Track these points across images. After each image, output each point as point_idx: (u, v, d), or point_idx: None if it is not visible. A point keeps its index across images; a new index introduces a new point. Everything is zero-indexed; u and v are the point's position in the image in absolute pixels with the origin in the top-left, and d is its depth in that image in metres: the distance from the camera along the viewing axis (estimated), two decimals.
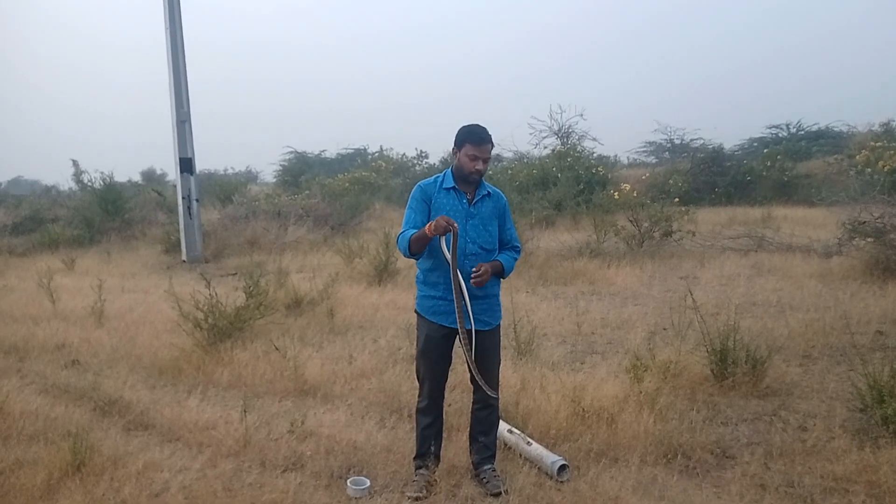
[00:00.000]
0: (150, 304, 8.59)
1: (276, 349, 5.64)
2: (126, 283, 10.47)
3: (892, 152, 20.68)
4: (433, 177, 3.57)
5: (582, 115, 26.09)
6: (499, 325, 3.59)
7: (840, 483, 3.40)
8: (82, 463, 3.79)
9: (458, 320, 3.32)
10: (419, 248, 3.40)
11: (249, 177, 40.79)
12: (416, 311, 3.60)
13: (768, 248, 10.98)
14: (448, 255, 3.29)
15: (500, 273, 3.50)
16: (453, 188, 3.47)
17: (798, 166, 22.57)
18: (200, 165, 14.88)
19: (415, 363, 3.71)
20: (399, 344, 6.15)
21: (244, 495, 3.51)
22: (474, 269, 3.31)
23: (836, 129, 29.51)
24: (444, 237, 3.30)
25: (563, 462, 3.65)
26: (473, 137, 3.40)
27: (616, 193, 13.93)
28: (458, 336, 3.42)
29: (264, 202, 16.77)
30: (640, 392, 4.40)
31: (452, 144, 3.48)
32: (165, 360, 5.89)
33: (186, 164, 13.28)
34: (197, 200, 13.45)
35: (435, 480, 3.55)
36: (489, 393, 3.40)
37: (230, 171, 40.20)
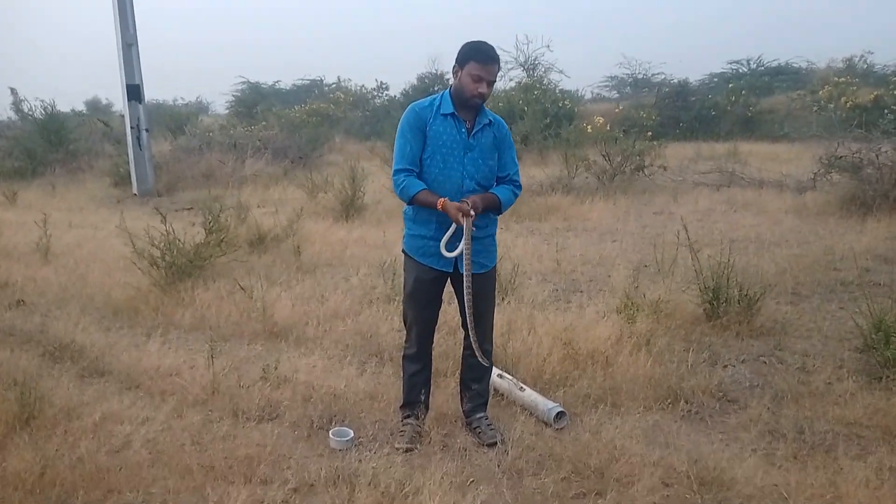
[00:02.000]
0: (101, 240, 8.05)
1: (242, 289, 5.25)
2: (73, 218, 9.82)
3: (854, 88, 20.83)
4: (428, 98, 3.16)
5: (549, 46, 25.40)
6: (494, 266, 3.28)
7: (852, 428, 3.25)
8: (31, 415, 3.42)
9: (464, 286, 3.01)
10: (421, 206, 3.06)
11: (200, 107, 39.06)
12: (403, 251, 3.26)
13: (740, 184, 10.88)
14: (462, 245, 2.95)
15: (497, 208, 3.15)
16: (452, 115, 3.07)
17: (761, 101, 22.55)
18: (149, 95, 14.04)
19: (402, 307, 3.38)
20: (373, 283, 5.82)
21: (216, 449, 3.19)
22: (466, 203, 2.95)
23: (795, 65, 29.59)
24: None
25: (560, 408, 3.42)
26: (480, 55, 3.00)
27: (589, 127, 13.59)
28: (454, 281, 3.16)
29: (219, 133, 15.98)
30: (633, 333, 4.19)
31: (454, 63, 3.07)
32: (120, 300, 5.46)
33: (134, 91, 12.43)
34: (147, 130, 12.67)
35: (425, 430, 3.30)
36: (483, 362, 3.16)
37: (179, 102, 38.42)
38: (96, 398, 3.77)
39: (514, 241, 7.50)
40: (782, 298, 5.22)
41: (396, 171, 3.09)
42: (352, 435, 3.28)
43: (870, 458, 2.98)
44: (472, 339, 3.10)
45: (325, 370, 4.09)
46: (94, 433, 3.33)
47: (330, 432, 3.30)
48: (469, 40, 3.06)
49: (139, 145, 12.49)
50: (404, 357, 3.36)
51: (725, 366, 4.08)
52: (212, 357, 3.93)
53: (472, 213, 2.93)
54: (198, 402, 3.72)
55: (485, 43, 3.04)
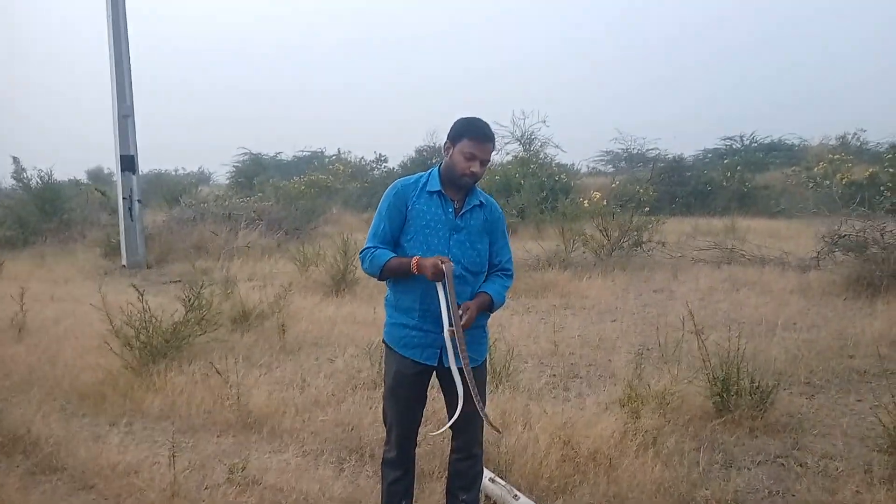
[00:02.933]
0: (80, 315, 7.70)
1: (218, 373, 4.91)
2: (57, 291, 9.51)
3: (849, 165, 20.97)
4: (414, 175, 2.91)
5: (545, 121, 25.77)
6: (485, 360, 2.97)
7: None
8: None
9: (454, 360, 2.68)
10: (396, 276, 2.78)
11: (202, 178, 39.32)
12: (383, 342, 2.95)
13: (740, 261, 10.64)
14: (444, 302, 2.66)
15: (488, 308, 2.86)
16: (439, 192, 2.81)
17: (756, 177, 22.68)
18: (150, 165, 14.05)
19: (382, 404, 3.04)
20: (359, 365, 5.47)
21: None
22: (442, 260, 2.65)
23: (788, 141, 30.07)
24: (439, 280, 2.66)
25: None
26: (474, 131, 2.77)
27: (586, 201, 13.48)
28: (440, 376, 2.85)
29: (213, 204, 15.85)
30: (639, 430, 3.84)
31: (446, 138, 2.84)
32: (87, 385, 5.10)
33: (128, 162, 12.33)
34: (139, 201, 12.51)
35: None
36: (494, 429, 2.86)
37: (181, 172, 38.68)
38: (43, 502, 3.38)
39: (509, 319, 7.18)
40: (795, 389, 4.88)
41: (365, 249, 2.84)
42: None
43: None
44: (477, 406, 2.72)
45: (299, 470, 3.70)
46: None
47: None
48: (462, 116, 2.84)
49: (131, 216, 12.30)
50: (384, 462, 3.00)
51: (740, 469, 3.71)
52: (173, 457, 3.54)
53: (451, 265, 2.64)
54: None
55: (479, 119, 2.82)
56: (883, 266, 7.83)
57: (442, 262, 2.62)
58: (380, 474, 3.11)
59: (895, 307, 7.09)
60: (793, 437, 4.08)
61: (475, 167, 2.75)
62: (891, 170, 17.80)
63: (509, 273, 2.95)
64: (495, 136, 2.86)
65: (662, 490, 3.33)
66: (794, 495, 3.39)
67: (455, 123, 2.82)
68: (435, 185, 2.82)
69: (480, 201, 2.87)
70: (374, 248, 2.80)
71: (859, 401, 4.71)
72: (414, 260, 2.68)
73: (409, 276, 2.72)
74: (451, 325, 2.63)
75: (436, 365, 2.82)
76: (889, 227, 8.26)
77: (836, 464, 3.70)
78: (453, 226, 2.80)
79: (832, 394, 4.84)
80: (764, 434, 4.12)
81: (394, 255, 2.76)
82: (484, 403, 2.90)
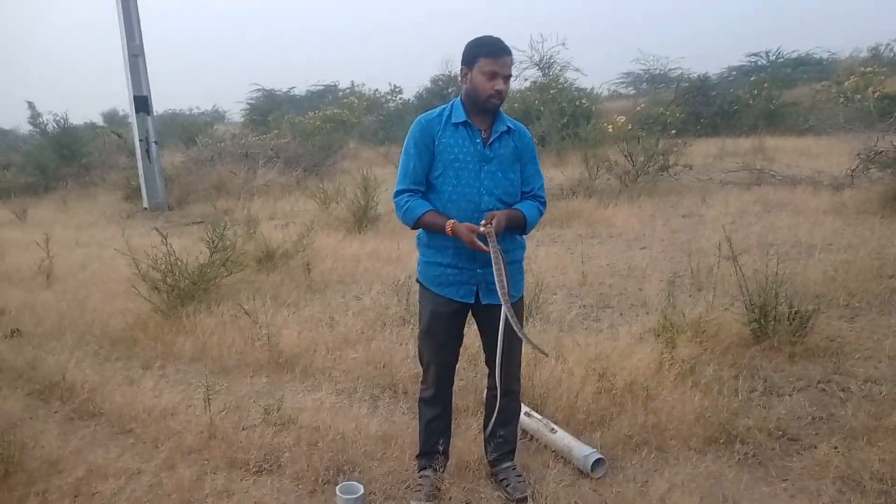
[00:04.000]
0: (106, 259, 7.73)
1: (247, 313, 4.89)
2: (81, 236, 9.55)
3: (882, 77, 20.13)
4: (437, 108, 2.75)
5: (564, 44, 24.88)
6: (522, 297, 2.87)
7: None
8: (8, 470, 3.07)
9: (504, 310, 2.56)
10: (430, 230, 2.69)
11: (216, 116, 38.99)
12: (417, 281, 2.86)
13: (770, 182, 10.36)
14: (494, 270, 2.52)
15: (521, 227, 2.72)
16: (464, 123, 2.66)
17: (784, 94, 21.86)
18: (163, 105, 13.86)
19: (417, 344, 2.97)
20: (386, 302, 5.43)
21: None
22: (483, 221, 2.55)
23: (816, 55, 28.78)
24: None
25: (599, 455, 3.01)
26: (488, 48, 2.59)
27: (610, 126, 13.11)
28: (476, 313, 2.80)
29: (230, 143, 15.69)
30: (675, 360, 3.76)
31: (460, 65, 2.66)
32: (118, 329, 5.12)
33: (142, 103, 12.17)
34: (156, 142, 12.40)
35: (444, 484, 2.90)
36: (542, 351, 2.80)
37: (195, 111, 38.35)
38: (82, 447, 3.41)
39: (534, 251, 7.07)
40: (834, 312, 4.75)
41: (398, 193, 2.71)
42: (361, 491, 2.88)
43: None
44: (497, 380, 2.69)
45: (334, 408, 3.70)
46: (75, 494, 2.98)
47: (337, 488, 2.90)
48: (472, 38, 2.66)
49: (149, 158, 12.22)
50: (421, 400, 2.96)
51: (781, 395, 3.64)
52: (207, 400, 3.55)
53: (492, 228, 2.50)
54: (193, 451, 3.35)
55: (490, 35, 2.63)
56: None
57: (482, 227, 2.51)
58: (416, 411, 3.08)
59: None
60: (834, 362, 3.98)
61: (499, 84, 2.58)
62: None
63: (542, 200, 2.81)
64: (511, 50, 2.65)
65: (703, 420, 3.27)
66: (838, 421, 3.32)
67: (466, 46, 2.65)
68: (460, 116, 2.67)
69: (508, 127, 2.72)
70: (408, 193, 2.68)
71: None
72: (450, 224, 2.57)
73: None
74: (502, 289, 2.52)
75: (472, 302, 2.73)
76: None
77: (881, 388, 3.61)
78: (483, 157, 2.66)
79: (873, 316, 4.71)
80: (804, 359, 4.03)
81: (429, 207, 2.64)
82: (521, 341, 2.83)
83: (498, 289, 2.51)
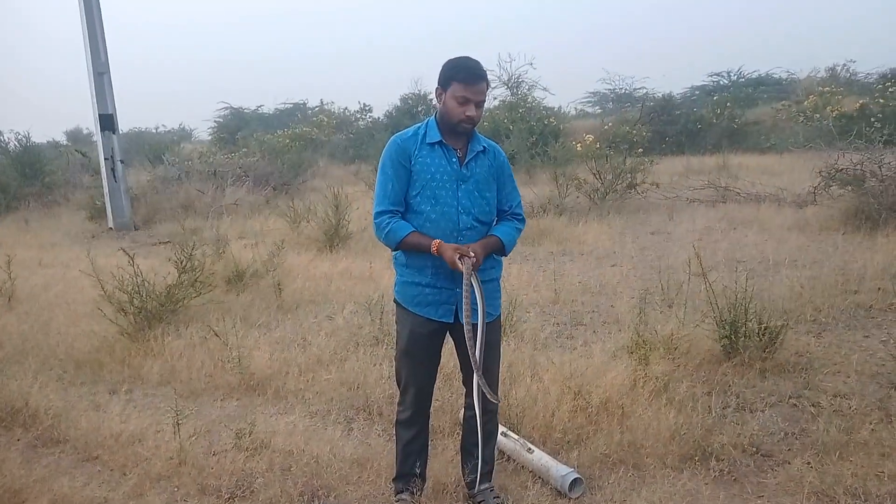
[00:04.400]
0: (70, 280, 7.55)
1: (216, 335, 4.81)
2: (44, 256, 9.31)
3: (839, 97, 20.72)
4: (412, 128, 2.75)
5: (532, 63, 25.27)
6: (499, 315, 2.87)
7: None
8: None
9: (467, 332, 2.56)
10: (413, 251, 2.67)
11: (183, 134, 38.56)
12: (395, 301, 2.83)
13: (735, 199, 10.56)
14: (475, 286, 2.54)
15: (500, 251, 2.74)
16: (439, 143, 2.66)
17: (746, 113, 22.38)
18: (129, 123, 13.65)
19: (394, 365, 2.94)
20: (359, 322, 5.38)
21: None
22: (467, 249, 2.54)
23: (776, 75, 29.59)
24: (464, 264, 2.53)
25: (576, 475, 3.00)
26: (463, 73, 2.58)
27: (578, 145, 13.27)
28: (454, 332, 2.77)
29: (198, 161, 15.52)
30: (649, 377, 3.78)
31: (436, 84, 2.67)
32: (83, 352, 4.98)
33: (107, 121, 11.98)
34: (122, 161, 12.20)
35: None
36: (492, 399, 2.68)
37: (162, 130, 37.89)
38: (47, 475, 3.30)
39: (507, 268, 7.09)
40: (802, 328, 4.83)
41: (378, 214, 2.68)
42: None
43: None
44: (476, 377, 2.65)
45: (307, 431, 3.63)
46: None
47: None
48: (451, 58, 2.65)
49: (114, 177, 12.02)
50: (398, 423, 2.92)
51: (753, 411, 3.67)
52: (177, 425, 3.47)
53: (472, 255, 2.52)
54: (162, 477, 3.27)
55: (468, 58, 2.64)
56: (882, 199, 7.76)
57: (461, 257, 2.51)
58: (392, 434, 3.05)
59: (895, 240, 7.04)
60: (804, 377, 4.04)
61: (470, 111, 2.58)
62: (881, 101, 17.66)
63: (520, 217, 2.84)
64: (486, 74, 2.67)
65: (678, 437, 3.28)
66: (810, 436, 3.36)
67: (443, 67, 2.64)
68: (434, 136, 2.67)
69: (483, 147, 2.74)
70: (388, 214, 2.65)
71: (867, 337, 4.68)
72: (435, 244, 2.56)
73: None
74: (472, 319, 2.54)
75: (451, 322, 2.71)
76: (887, 158, 8.14)
77: (850, 402, 3.67)
78: (460, 176, 2.66)
79: (839, 331, 4.81)
80: (774, 375, 4.08)
81: (412, 228, 2.63)
82: (499, 360, 2.82)
83: (464, 309, 2.54)
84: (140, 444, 3.58)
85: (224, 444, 3.54)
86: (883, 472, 2.98)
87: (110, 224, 12.03)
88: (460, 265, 2.50)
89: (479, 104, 2.62)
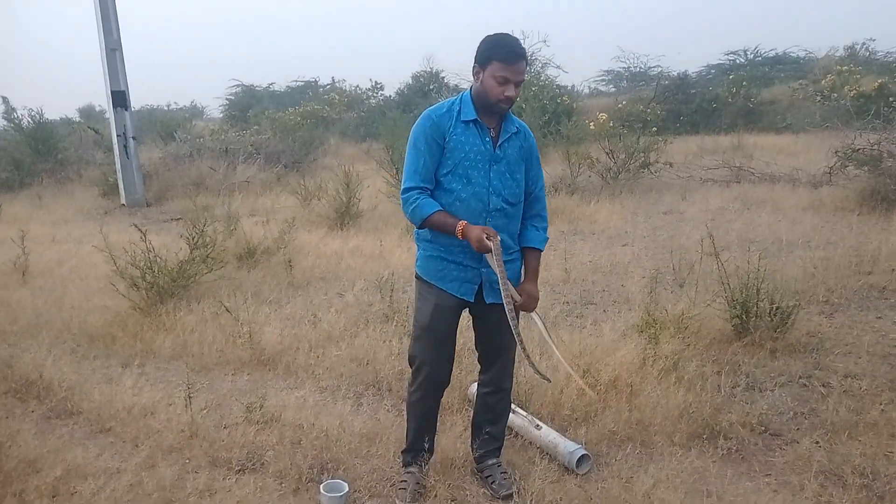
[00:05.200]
0: (83, 256, 7.61)
1: (227, 311, 4.84)
2: (58, 232, 9.38)
3: (857, 76, 20.41)
4: (445, 103, 2.66)
5: (545, 41, 25.02)
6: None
7: None
8: None
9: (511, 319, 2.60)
10: (437, 230, 2.63)
11: (195, 112, 38.59)
12: (417, 276, 2.79)
13: (749, 179, 10.45)
14: (496, 269, 2.53)
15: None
16: (475, 121, 2.60)
17: (762, 93, 22.08)
18: (141, 100, 13.67)
19: (410, 344, 2.88)
20: (369, 299, 5.40)
21: None
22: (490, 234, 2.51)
23: (793, 54, 29.19)
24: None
25: (584, 451, 3.01)
26: (504, 52, 2.50)
27: (591, 124, 13.15)
28: (474, 310, 2.79)
29: (210, 139, 15.53)
30: (658, 356, 3.78)
31: (473, 62, 2.57)
32: (96, 327, 5.04)
33: (120, 98, 11.99)
34: (134, 138, 12.22)
35: (428, 481, 2.88)
36: (543, 377, 2.80)
37: (174, 107, 37.91)
38: (61, 447, 3.34)
39: None
40: (814, 308, 4.80)
41: (406, 190, 2.61)
42: (346, 489, 2.86)
43: None
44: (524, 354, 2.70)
45: (317, 406, 3.67)
46: (54, 494, 2.92)
47: (321, 486, 2.87)
48: (489, 34, 2.57)
49: (126, 154, 12.06)
50: (411, 403, 2.90)
51: (763, 391, 3.67)
52: (189, 398, 3.50)
53: (498, 243, 2.50)
54: (174, 449, 3.31)
55: (508, 36, 2.55)
56: None
57: (488, 237, 2.48)
58: (401, 409, 3.06)
59: None
60: (814, 358, 4.02)
61: (510, 91, 2.51)
62: None
63: (544, 217, 2.81)
64: (526, 53, 2.61)
65: (686, 415, 3.29)
66: (819, 416, 3.36)
67: (481, 44, 2.56)
68: (470, 114, 2.60)
69: (517, 128, 2.69)
70: (417, 190, 2.60)
71: (879, 318, 4.65)
72: (460, 225, 2.52)
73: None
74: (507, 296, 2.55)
75: (472, 300, 2.69)
76: None
77: (861, 383, 3.65)
78: (493, 157, 2.62)
79: (852, 312, 4.77)
80: (785, 355, 4.07)
81: (438, 207, 2.58)
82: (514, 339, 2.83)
83: (501, 292, 2.54)
84: (152, 417, 3.62)
85: (235, 418, 3.58)
86: (892, 452, 2.97)
87: (123, 200, 12.09)
88: (489, 244, 2.47)
89: (518, 84, 2.55)
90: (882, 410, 3.29)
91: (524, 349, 2.63)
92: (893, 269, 5.55)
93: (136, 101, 26.32)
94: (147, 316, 5.07)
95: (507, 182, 2.65)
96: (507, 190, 2.64)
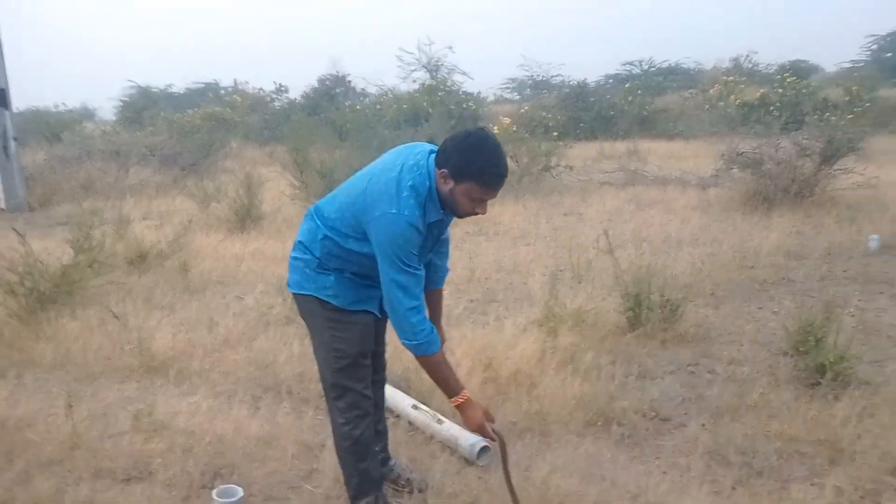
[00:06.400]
0: None
1: (115, 316, 4.58)
2: None
3: (742, 86, 21.77)
4: (415, 206, 2.21)
5: (451, 48, 25.18)
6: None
7: (796, 445, 3.02)
8: None
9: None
10: (437, 379, 2.41)
11: (85, 114, 36.39)
12: (331, 309, 2.43)
13: (644, 182, 10.90)
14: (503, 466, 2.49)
15: None
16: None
17: (656, 101, 23.17)
18: (25, 102, 12.77)
19: (331, 379, 2.51)
20: (270, 302, 5.25)
21: None
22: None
23: (684, 65, 30.94)
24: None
25: (484, 443, 3.02)
26: (488, 177, 2.19)
27: (496, 128, 13.36)
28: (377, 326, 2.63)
29: (100, 140, 14.75)
30: (557, 349, 3.87)
31: (442, 164, 2.21)
32: None
33: (0, 97, 11.19)
34: (15, 139, 11.42)
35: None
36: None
37: (62, 108, 35.73)
38: None
39: None
40: (701, 301, 5.05)
41: (413, 309, 2.25)
42: (240, 494, 2.75)
43: (816, 481, 2.76)
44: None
45: (211, 411, 3.52)
46: None
47: (213, 493, 2.76)
48: (469, 141, 2.18)
49: (6, 155, 11.25)
50: (354, 441, 2.52)
51: (654, 378, 3.82)
52: (70, 405, 3.29)
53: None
54: (52, 462, 3.09)
55: (497, 156, 2.21)
56: (778, 181, 8.20)
57: (493, 428, 2.43)
58: (303, 412, 2.96)
59: (789, 219, 7.47)
60: (701, 347, 4.23)
61: (482, 209, 2.28)
62: (779, 90, 18.66)
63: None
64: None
65: (583, 404, 3.37)
66: (705, 401, 3.52)
67: (462, 155, 2.17)
68: (435, 216, 2.29)
69: None
70: (423, 313, 2.31)
71: (760, 308, 4.94)
72: (464, 395, 2.36)
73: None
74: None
75: (379, 317, 2.54)
76: (783, 143, 8.60)
77: (744, 368, 3.86)
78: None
79: (736, 303, 5.05)
80: (674, 345, 4.25)
81: (445, 357, 2.40)
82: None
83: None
84: (29, 429, 3.37)
85: (121, 427, 3.38)
86: (770, 431, 3.15)
87: (2, 205, 11.27)
88: (490, 433, 2.40)
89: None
90: (762, 393, 3.49)
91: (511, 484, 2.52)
92: (773, 264, 5.93)
93: (20, 102, 24.73)
94: (26, 324, 4.73)
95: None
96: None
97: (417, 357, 2.34)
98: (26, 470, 3.01)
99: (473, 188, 2.19)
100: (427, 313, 2.34)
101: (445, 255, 2.71)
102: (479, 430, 2.38)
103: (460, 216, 2.32)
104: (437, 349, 2.32)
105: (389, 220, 2.19)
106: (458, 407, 2.36)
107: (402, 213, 2.19)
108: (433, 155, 2.28)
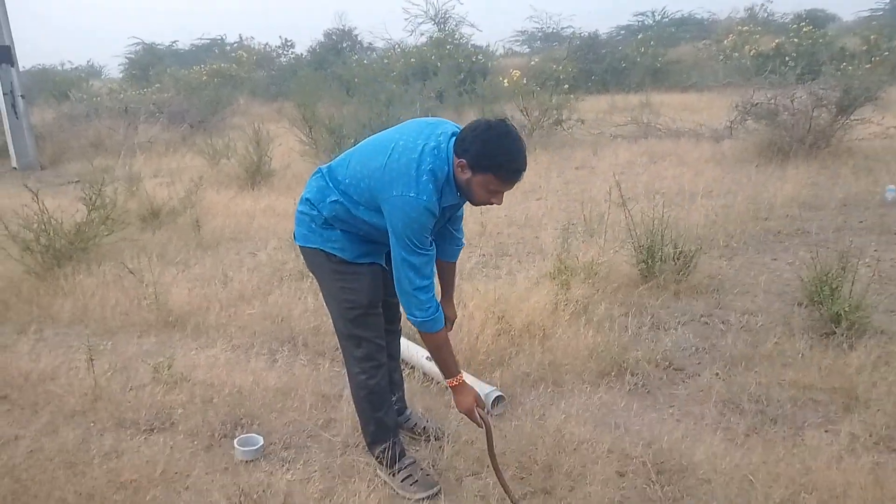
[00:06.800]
0: None
1: (131, 272, 4.62)
2: None
3: (757, 36, 21.31)
4: (431, 187, 2.20)
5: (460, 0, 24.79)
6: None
7: (810, 393, 3.04)
8: None
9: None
10: (439, 357, 2.44)
11: (91, 72, 36.20)
12: (339, 262, 2.46)
13: (656, 135, 10.76)
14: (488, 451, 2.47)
15: None
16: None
17: (669, 52, 22.73)
18: (32, 60, 12.62)
19: (344, 331, 2.55)
20: (283, 257, 5.28)
21: (96, 471, 2.67)
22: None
23: (698, 15, 30.37)
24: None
25: (498, 392, 3.06)
26: (508, 172, 2.17)
27: (506, 81, 13.19)
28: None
29: (108, 98, 14.68)
30: (570, 301, 3.87)
31: (461, 154, 2.18)
32: None
33: (5, 54, 11.10)
34: (23, 96, 11.39)
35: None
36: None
37: (68, 66, 35.46)
38: None
39: None
40: (715, 252, 5.03)
41: (423, 288, 2.28)
42: (261, 443, 2.82)
43: (831, 427, 2.78)
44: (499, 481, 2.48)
45: (229, 364, 3.58)
46: None
47: (235, 441, 2.82)
48: (490, 134, 2.15)
49: (15, 114, 11.23)
50: (369, 391, 2.56)
51: (667, 329, 3.83)
52: (91, 359, 3.34)
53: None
54: (76, 414, 3.16)
55: (518, 151, 2.17)
56: (793, 131, 8.06)
57: (481, 414, 2.43)
58: (319, 365, 2.99)
59: (804, 171, 7.37)
60: (715, 298, 4.23)
61: (498, 200, 2.26)
62: (795, 39, 18.24)
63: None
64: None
65: (595, 355, 3.39)
66: (719, 350, 3.54)
67: (478, 144, 2.15)
68: (452, 198, 2.28)
69: None
70: (433, 289, 2.33)
71: (775, 259, 4.92)
72: (459, 377, 2.40)
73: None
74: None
75: (386, 268, 2.52)
76: (798, 93, 8.43)
77: (757, 319, 3.87)
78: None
79: (749, 255, 5.03)
80: (688, 296, 4.25)
81: (448, 337, 2.43)
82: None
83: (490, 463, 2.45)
84: (52, 382, 3.45)
85: (141, 379, 3.45)
86: (784, 380, 3.17)
87: (14, 164, 11.30)
88: (479, 420, 2.42)
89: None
90: (776, 343, 3.50)
91: (500, 475, 2.46)
92: (788, 215, 5.88)
93: (25, 61, 24.57)
94: (43, 280, 4.79)
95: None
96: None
97: (421, 333, 2.37)
98: (52, 421, 3.09)
99: (491, 180, 2.19)
100: (438, 287, 2.37)
101: (459, 228, 2.69)
102: (469, 413, 2.43)
103: (475, 204, 2.32)
104: (440, 327, 2.35)
105: (406, 203, 2.18)
106: (452, 388, 2.43)
107: (421, 197, 2.18)
108: (454, 139, 2.25)
